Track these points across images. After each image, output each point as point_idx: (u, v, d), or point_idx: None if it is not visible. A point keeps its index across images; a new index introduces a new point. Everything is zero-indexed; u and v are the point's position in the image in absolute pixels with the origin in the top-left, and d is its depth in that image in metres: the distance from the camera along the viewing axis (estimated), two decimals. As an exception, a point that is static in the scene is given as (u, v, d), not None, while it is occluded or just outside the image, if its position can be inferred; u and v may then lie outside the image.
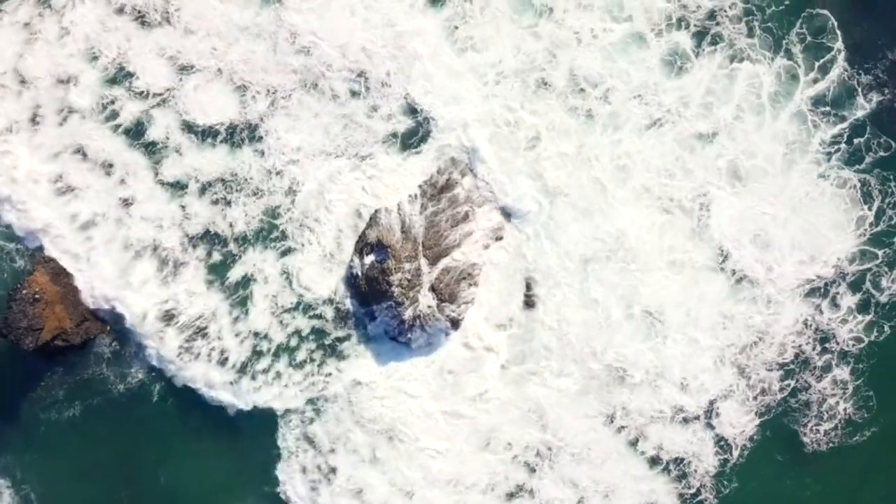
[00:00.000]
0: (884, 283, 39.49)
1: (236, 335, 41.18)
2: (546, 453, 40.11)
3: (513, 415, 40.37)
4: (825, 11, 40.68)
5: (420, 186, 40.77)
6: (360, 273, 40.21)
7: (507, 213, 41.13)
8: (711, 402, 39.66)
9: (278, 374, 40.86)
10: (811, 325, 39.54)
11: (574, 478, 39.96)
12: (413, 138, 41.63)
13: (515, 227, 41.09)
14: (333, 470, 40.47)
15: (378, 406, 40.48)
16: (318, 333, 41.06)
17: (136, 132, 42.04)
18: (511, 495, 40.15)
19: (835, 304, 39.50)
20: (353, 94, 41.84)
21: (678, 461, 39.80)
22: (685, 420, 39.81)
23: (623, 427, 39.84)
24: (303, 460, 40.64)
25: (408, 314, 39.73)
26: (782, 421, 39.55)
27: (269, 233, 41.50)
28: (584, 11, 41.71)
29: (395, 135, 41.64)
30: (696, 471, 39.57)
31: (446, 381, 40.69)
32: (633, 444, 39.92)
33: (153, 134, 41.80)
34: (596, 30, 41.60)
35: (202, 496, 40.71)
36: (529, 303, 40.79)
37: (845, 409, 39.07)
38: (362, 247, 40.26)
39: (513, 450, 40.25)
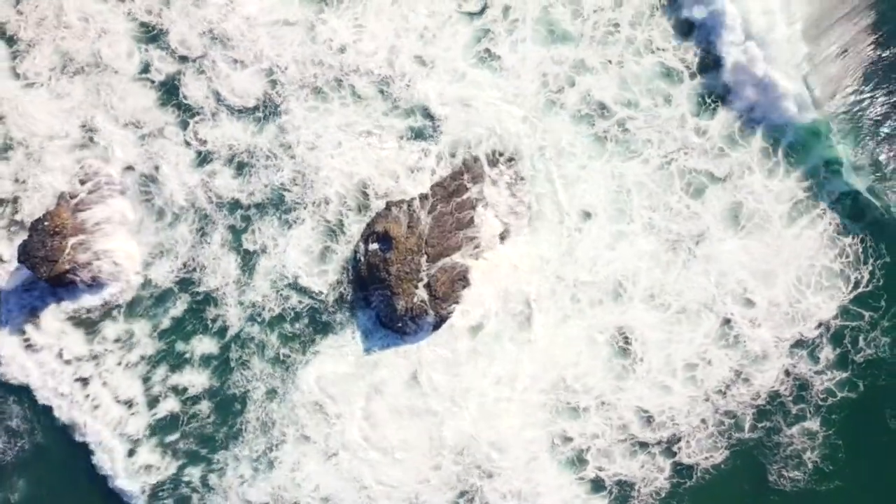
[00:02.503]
0: (861, 342, 39.30)
1: (240, 304, 43.36)
2: (487, 468, 40.67)
3: (465, 421, 41.28)
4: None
5: (432, 188, 42.42)
6: (362, 258, 41.97)
7: (507, 224, 42.54)
8: (676, 435, 39.71)
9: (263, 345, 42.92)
10: (791, 374, 39.62)
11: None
12: (428, 140, 43.34)
13: (514, 238, 42.41)
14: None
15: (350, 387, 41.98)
16: (312, 309, 42.82)
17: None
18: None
19: (814, 357, 39.49)
20: (377, 93, 43.96)
21: (622, 483, 39.95)
22: (643, 445, 39.96)
23: (571, 449, 40.26)
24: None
25: (401, 304, 41.20)
26: (752, 452, 39.36)
27: (278, 208, 43.60)
28: (608, 46, 43.27)
29: (412, 133, 43.50)
30: (639, 491, 39.72)
31: (417, 375, 41.78)
32: (574, 464, 40.27)
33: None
34: (623, 58, 43.06)
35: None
36: (518, 312, 41.64)
37: (812, 460, 38.87)
38: (369, 234, 41.91)
39: (462, 458, 40.98)
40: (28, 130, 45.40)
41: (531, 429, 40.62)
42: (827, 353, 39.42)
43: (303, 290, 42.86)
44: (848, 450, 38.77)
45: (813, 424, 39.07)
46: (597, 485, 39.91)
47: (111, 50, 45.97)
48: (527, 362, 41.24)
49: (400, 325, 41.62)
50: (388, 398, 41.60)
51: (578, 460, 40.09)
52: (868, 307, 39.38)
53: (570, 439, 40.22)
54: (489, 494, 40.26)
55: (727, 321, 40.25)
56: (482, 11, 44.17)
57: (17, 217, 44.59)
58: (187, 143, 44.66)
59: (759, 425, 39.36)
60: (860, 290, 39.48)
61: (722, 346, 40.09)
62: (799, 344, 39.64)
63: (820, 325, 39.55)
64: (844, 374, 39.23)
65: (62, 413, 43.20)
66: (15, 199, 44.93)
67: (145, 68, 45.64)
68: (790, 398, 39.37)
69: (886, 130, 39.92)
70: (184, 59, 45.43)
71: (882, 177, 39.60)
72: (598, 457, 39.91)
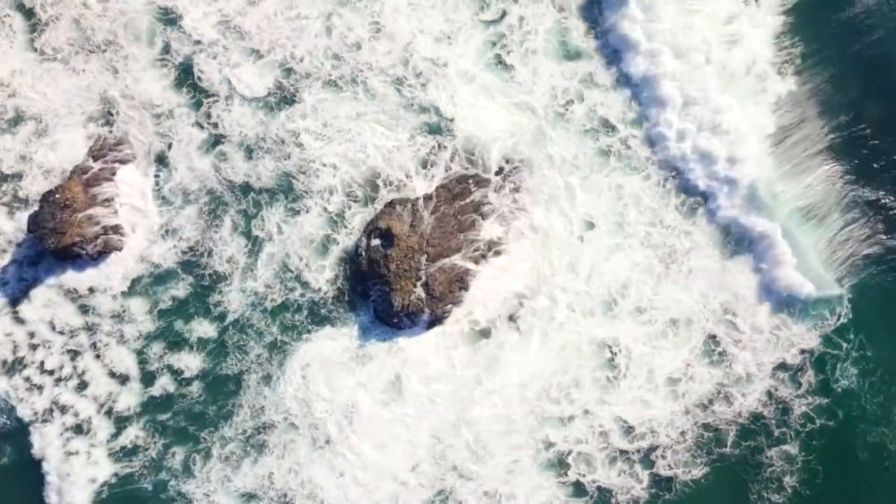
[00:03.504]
0: (838, 370, 39.94)
1: (243, 292, 44.10)
2: (467, 470, 41.26)
3: (445, 424, 41.89)
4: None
5: (436, 189, 43.35)
6: (363, 253, 42.77)
7: (507, 230, 43.35)
8: (656, 447, 40.33)
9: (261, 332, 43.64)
10: (774, 396, 40.32)
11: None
12: (438, 137, 44.34)
13: (513, 245, 43.27)
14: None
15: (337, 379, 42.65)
16: (311, 300, 43.59)
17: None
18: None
19: (796, 382, 40.24)
20: (389, 90, 45.07)
21: (603, 490, 40.48)
22: (623, 452, 40.57)
23: (554, 453, 40.83)
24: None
25: (398, 301, 42.01)
26: (735, 469, 39.81)
27: (286, 195, 44.49)
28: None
29: (423, 129, 44.53)
30: (617, 499, 40.23)
31: (406, 374, 42.40)
32: (555, 466, 40.84)
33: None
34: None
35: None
36: (511, 317, 42.60)
37: (791, 484, 39.37)
38: (372, 230, 42.74)
39: (443, 460, 41.59)
40: (41, 105, 46.22)
41: (516, 434, 41.23)
42: (810, 377, 40.19)
43: (303, 280, 43.66)
44: (826, 476, 39.36)
45: (792, 448, 39.71)
46: (578, 489, 40.58)
47: (128, 30, 46.99)
48: (516, 368, 41.97)
49: (396, 320, 42.41)
50: (375, 394, 42.24)
51: (560, 464, 40.74)
52: (845, 339, 40.22)
53: (553, 444, 40.91)
54: (467, 495, 40.87)
55: (713, 337, 41.09)
56: (501, 19, 45.50)
57: (21, 194, 45.45)
58: (200, 126, 45.64)
59: (743, 443, 39.96)
60: (841, 321, 40.39)
61: (706, 363, 40.89)
62: (781, 367, 40.47)
63: (804, 351, 40.36)
64: (824, 401, 39.97)
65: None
66: (21, 174, 45.74)
67: (162, 50, 46.69)
68: (773, 420, 40.11)
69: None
70: (199, 43, 46.50)
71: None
72: (580, 462, 40.59)
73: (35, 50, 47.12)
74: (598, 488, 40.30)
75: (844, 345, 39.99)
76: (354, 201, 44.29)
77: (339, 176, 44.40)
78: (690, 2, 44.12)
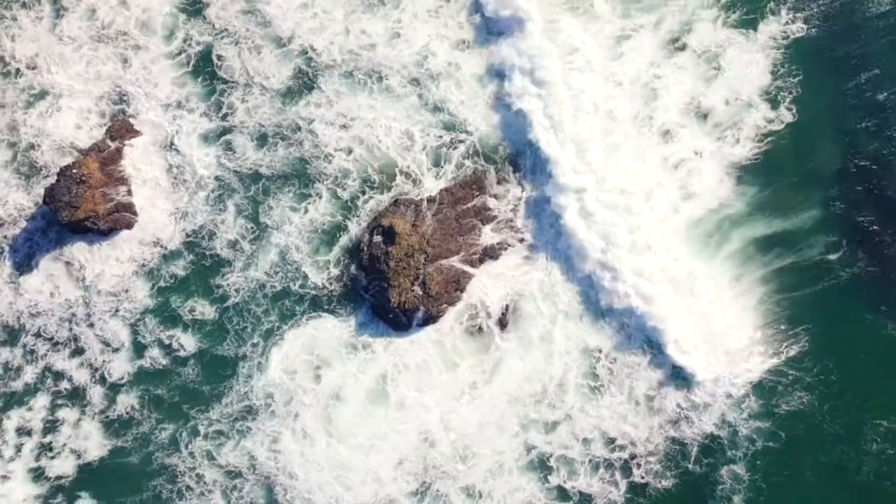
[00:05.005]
0: (784, 395, 41.03)
1: (245, 277, 45.33)
2: (451, 469, 42.31)
3: (432, 421, 42.97)
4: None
5: (440, 192, 44.57)
6: (365, 248, 43.98)
7: (506, 236, 44.57)
8: (633, 457, 41.31)
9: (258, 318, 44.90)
10: (726, 420, 41.18)
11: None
12: (451, 137, 45.60)
13: (511, 250, 44.46)
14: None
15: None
16: (311, 289, 44.82)
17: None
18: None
19: (740, 408, 41.14)
20: (406, 87, 46.35)
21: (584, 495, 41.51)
22: (605, 460, 41.64)
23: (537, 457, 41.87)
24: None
25: (395, 297, 43.17)
26: (698, 483, 40.88)
27: (297, 182, 45.77)
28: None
29: (439, 125, 45.75)
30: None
31: (397, 370, 43.53)
32: (537, 469, 41.83)
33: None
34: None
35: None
36: (503, 322, 43.68)
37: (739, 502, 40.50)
38: (375, 227, 43.99)
39: (427, 458, 42.55)
40: (62, 84, 47.47)
41: (500, 435, 42.27)
42: (752, 403, 41.18)
43: (305, 271, 44.88)
44: (771, 494, 40.49)
45: (740, 469, 40.67)
46: (562, 492, 41.63)
47: (150, 18, 48.21)
48: (507, 370, 43.08)
49: (392, 316, 43.61)
50: (364, 386, 43.46)
51: (543, 467, 41.79)
52: (794, 367, 41.27)
53: (534, 447, 41.97)
54: (450, 492, 41.96)
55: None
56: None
57: (38, 165, 46.77)
58: (215, 112, 46.87)
59: (705, 460, 40.96)
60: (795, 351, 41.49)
61: (673, 386, 41.93)
62: (729, 395, 41.43)
63: (749, 382, 41.36)
64: (767, 424, 40.92)
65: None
66: (37, 146, 46.94)
67: (182, 38, 47.87)
68: (726, 441, 41.08)
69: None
70: (220, 32, 47.66)
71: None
72: (562, 465, 41.65)
73: (58, 34, 48.39)
74: (580, 493, 41.43)
75: (795, 373, 41.14)
76: (370, 187, 45.52)
77: (353, 160, 45.59)
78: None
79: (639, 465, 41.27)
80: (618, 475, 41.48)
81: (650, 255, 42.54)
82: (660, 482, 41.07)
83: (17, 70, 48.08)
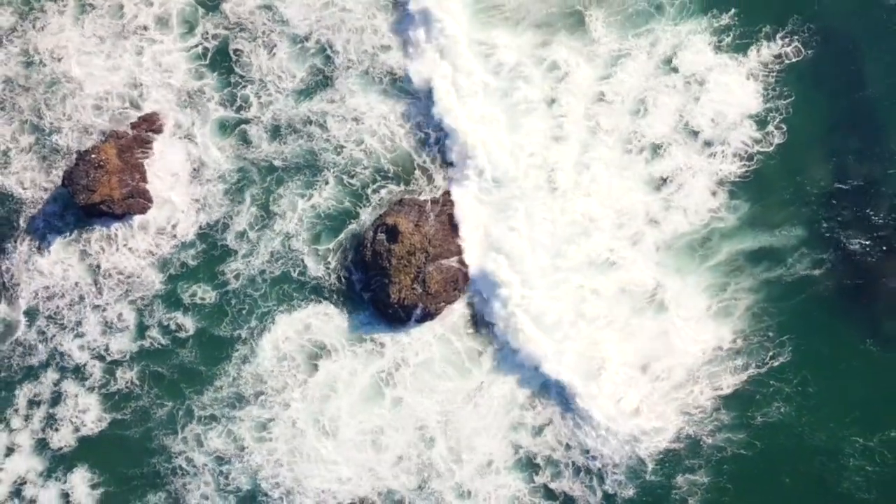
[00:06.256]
0: (762, 405, 42.04)
1: (249, 263, 46.54)
2: (440, 466, 43.32)
3: (416, 423, 43.89)
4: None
5: (444, 194, 45.99)
6: (369, 244, 45.09)
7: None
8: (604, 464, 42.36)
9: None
10: (684, 432, 42.19)
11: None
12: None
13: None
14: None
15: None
16: (313, 279, 45.95)
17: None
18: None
19: (706, 421, 42.20)
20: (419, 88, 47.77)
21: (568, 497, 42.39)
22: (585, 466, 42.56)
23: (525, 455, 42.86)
24: None
25: (395, 293, 44.29)
26: (657, 492, 42.01)
27: (308, 172, 47.00)
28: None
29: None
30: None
31: (392, 367, 44.55)
32: (523, 470, 42.82)
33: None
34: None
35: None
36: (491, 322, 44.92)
37: None
38: (379, 224, 45.17)
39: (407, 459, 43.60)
40: (85, 73, 48.89)
41: (492, 438, 43.19)
42: (724, 416, 42.23)
43: (308, 262, 46.02)
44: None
45: (700, 477, 41.66)
46: (548, 492, 42.64)
47: (168, 11, 49.47)
48: (499, 374, 44.16)
49: (391, 311, 44.72)
50: (359, 381, 44.48)
51: (530, 467, 42.76)
52: (778, 378, 42.25)
53: (520, 447, 42.98)
54: (441, 489, 42.99)
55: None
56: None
57: (58, 147, 48.08)
58: (230, 104, 48.07)
59: (660, 471, 41.93)
60: (778, 361, 42.44)
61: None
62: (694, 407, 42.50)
63: (716, 393, 42.37)
64: (741, 436, 41.85)
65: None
66: (60, 130, 48.33)
67: (201, 32, 48.99)
68: (685, 453, 42.06)
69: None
70: (237, 27, 48.81)
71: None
72: (548, 467, 42.61)
73: (82, 26, 49.80)
74: (564, 493, 42.46)
75: (775, 384, 42.14)
76: (383, 177, 46.70)
77: (364, 150, 46.76)
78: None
79: (607, 475, 42.20)
80: (595, 482, 42.40)
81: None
82: (624, 491, 41.97)
83: (41, 60, 49.45)
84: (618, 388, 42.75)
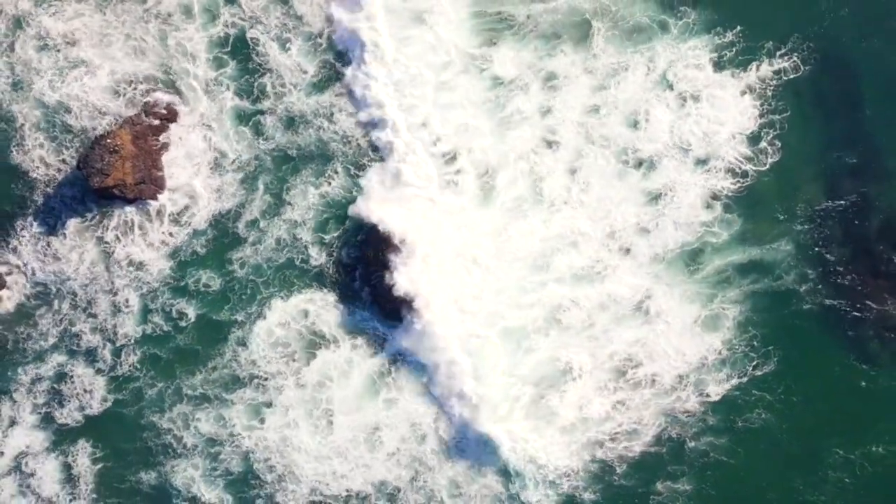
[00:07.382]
0: (745, 411, 43.07)
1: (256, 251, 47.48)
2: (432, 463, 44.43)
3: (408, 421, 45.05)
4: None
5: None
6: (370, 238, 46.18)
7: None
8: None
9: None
10: (665, 436, 43.19)
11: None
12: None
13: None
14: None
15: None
16: (315, 269, 46.82)
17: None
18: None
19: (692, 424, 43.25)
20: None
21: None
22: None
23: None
24: None
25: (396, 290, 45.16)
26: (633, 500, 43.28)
27: (321, 158, 47.75)
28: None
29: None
30: None
31: (389, 363, 45.60)
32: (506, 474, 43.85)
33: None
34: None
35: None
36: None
37: None
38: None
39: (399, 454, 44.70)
40: (102, 58, 49.43)
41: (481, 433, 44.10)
42: (711, 420, 43.26)
43: (311, 252, 46.77)
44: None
45: (684, 485, 42.67)
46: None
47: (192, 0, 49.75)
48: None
49: (391, 306, 45.53)
50: (355, 374, 45.44)
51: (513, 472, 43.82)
52: (762, 387, 43.24)
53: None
54: (437, 484, 44.15)
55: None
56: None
57: (72, 129, 48.73)
58: (247, 96, 48.46)
59: (636, 476, 43.00)
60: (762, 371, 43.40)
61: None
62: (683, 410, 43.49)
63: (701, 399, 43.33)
64: (724, 441, 42.87)
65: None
66: (70, 111, 48.88)
67: (222, 22, 49.12)
68: (668, 458, 43.04)
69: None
70: (253, 19, 49.03)
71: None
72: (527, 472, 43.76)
73: (103, 13, 50.06)
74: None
75: (757, 392, 43.14)
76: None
77: (374, 140, 47.34)
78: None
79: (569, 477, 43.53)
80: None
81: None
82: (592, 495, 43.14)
83: (56, 44, 49.63)
84: (587, 393, 43.73)
